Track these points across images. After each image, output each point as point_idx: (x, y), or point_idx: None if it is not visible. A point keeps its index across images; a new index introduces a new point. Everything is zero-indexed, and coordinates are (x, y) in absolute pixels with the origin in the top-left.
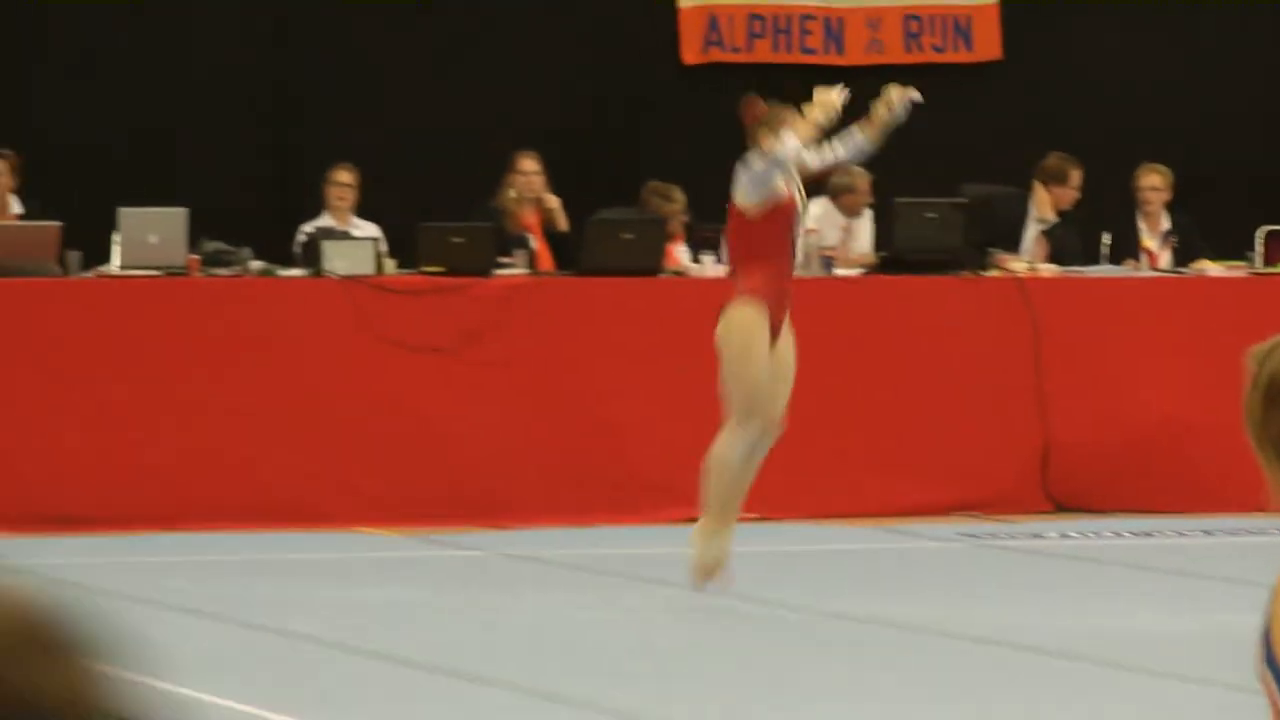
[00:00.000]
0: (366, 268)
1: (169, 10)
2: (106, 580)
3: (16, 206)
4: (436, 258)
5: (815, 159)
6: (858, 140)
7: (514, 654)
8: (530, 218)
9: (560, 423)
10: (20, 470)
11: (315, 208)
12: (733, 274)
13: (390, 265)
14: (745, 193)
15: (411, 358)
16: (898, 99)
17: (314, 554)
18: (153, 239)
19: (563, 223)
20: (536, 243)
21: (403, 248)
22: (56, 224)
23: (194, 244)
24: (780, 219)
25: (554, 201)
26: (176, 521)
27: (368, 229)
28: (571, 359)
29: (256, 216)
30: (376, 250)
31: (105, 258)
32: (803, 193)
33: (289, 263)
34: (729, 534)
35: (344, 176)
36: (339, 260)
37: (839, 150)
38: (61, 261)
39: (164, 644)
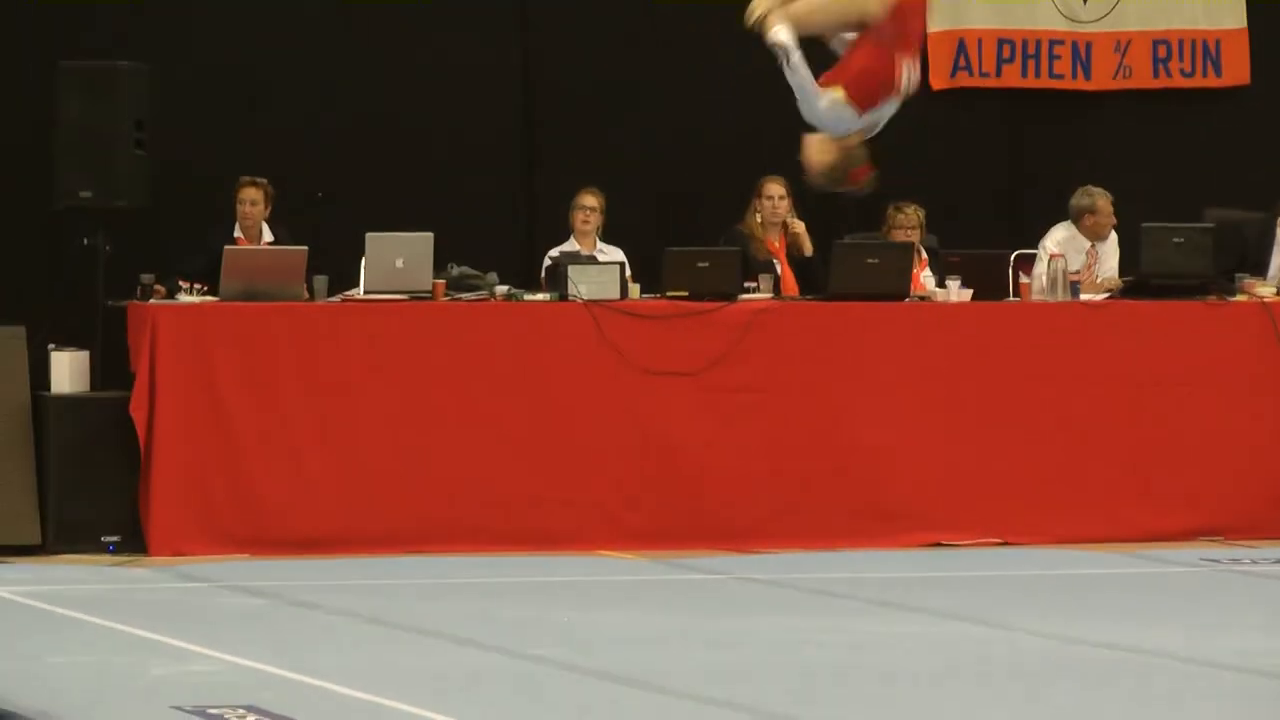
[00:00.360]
0: (612, 292)
1: (414, 39)
2: (349, 603)
3: (267, 234)
4: (682, 282)
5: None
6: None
7: (751, 677)
8: (776, 242)
9: (804, 447)
10: (265, 493)
11: (562, 232)
12: None
13: (635, 290)
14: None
15: (656, 382)
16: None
17: (555, 577)
18: (399, 263)
19: (808, 247)
20: (782, 267)
21: (648, 272)
22: (303, 248)
23: (440, 268)
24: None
25: (799, 226)
26: (420, 544)
27: (613, 254)
28: (816, 384)
29: (502, 241)
30: (622, 275)
31: (352, 282)
32: None
33: (535, 287)
34: None
35: (589, 200)
36: (585, 285)
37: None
38: (309, 286)
39: (404, 666)
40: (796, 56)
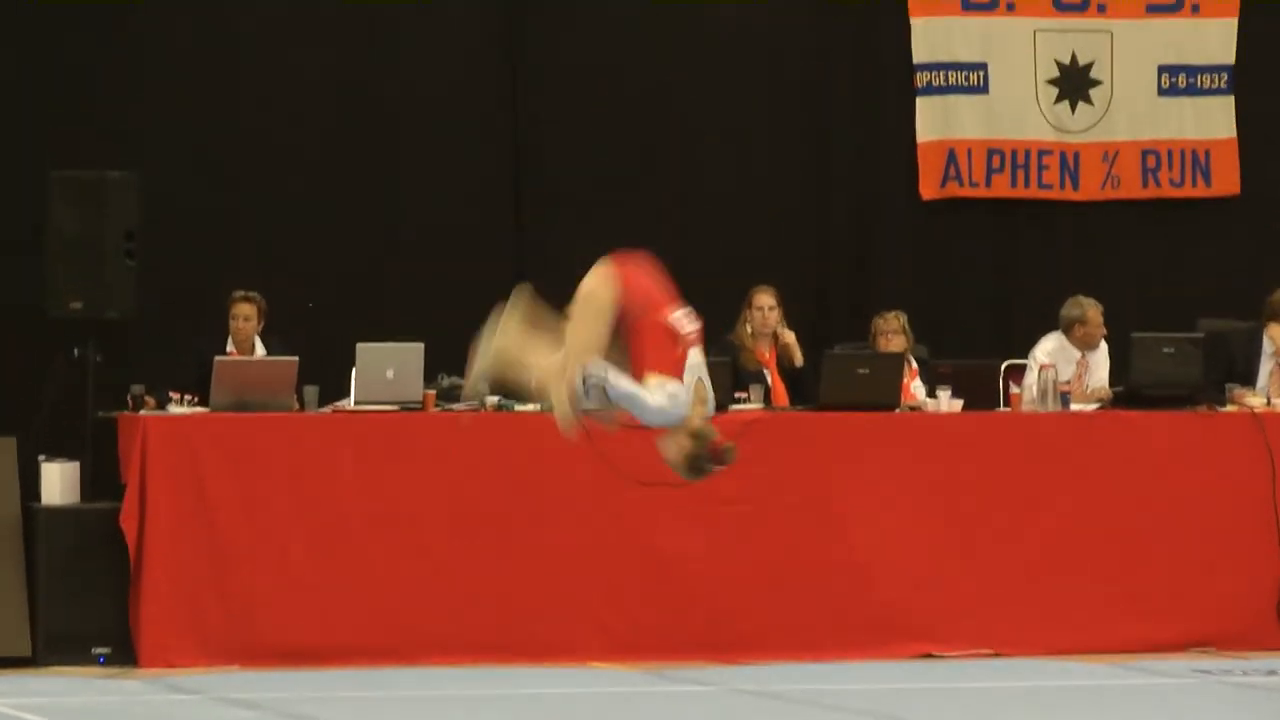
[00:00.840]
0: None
1: (400, 163)
2: (340, 714)
3: (260, 349)
4: None
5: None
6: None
7: None
8: (766, 353)
9: (795, 558)
10: (256, 604)
11: None
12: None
13: None
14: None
15: (647, 493)
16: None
17: (546, 689)
18: (389, 374)
19: (798, 358)
20: (772, 378)
21: None
22: (294, 359)
23: (430, 379)
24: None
25: (790, 336)
26: (410, 655)
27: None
28: (807, 495)
29: None
30: None
31: (342, 393)
32: None
33: (526, 398)
34: None
35: None
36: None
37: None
38: (299, 396)
39: None
40: (612, 375)
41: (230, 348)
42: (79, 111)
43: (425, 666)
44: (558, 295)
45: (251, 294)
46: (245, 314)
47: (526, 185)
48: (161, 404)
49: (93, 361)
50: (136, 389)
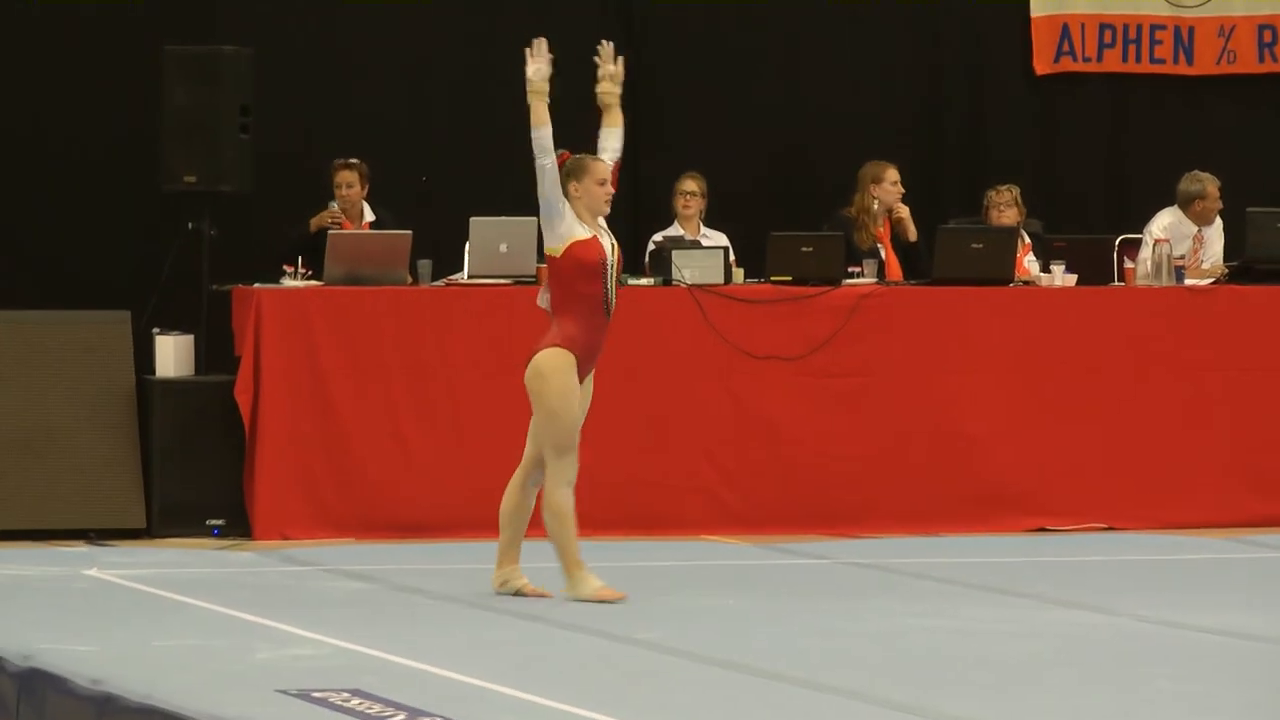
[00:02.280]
0: (716, 277)
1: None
2: (452, 587)
3: (369, 214)
4: (786, 267)
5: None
6: (612, 142)
7: (854, 662)
8: (881, 227)
9: (909, 432)
10: (369, 477)
11: (666, 217)
12: (550, 319)
13: (739, 274)
14: (546, 236)
15: (760, 366)
16: (614, 69)
17: (662, 561)
18: (503, 248)
19: (913, 233)
20: (886, 252)
21: (752, 257)
22: (407, 233)
23: (543, 252)
24: (583, 264)
25: (904, 211)
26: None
27: (717, 238)
28: (921, 369)
29: (608, 224)
30: (726, 259)
31: (456, 267)
32: (615, 242)
33: (639, 272)
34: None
35: (689, 185)
36: (689, 269)
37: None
38: (412, 270)
39: (508, 651)
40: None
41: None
42: None
43: (538, 539)
44: (671, 174)
45: (352, 160)
46: (348, 181)
47: (638, 60)
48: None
49: (207, 235)
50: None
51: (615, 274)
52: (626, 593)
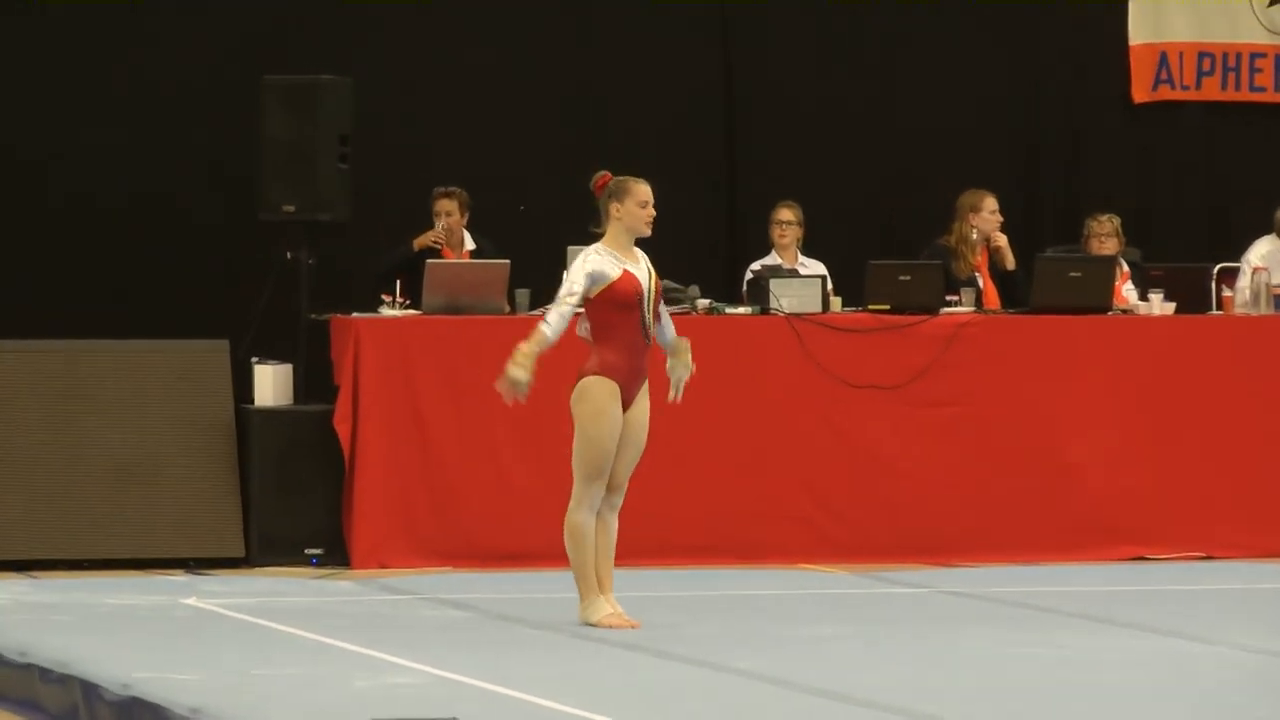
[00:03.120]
0: (814, 305)
1: (618, 49)
2: (550, 616)
3: (469, 243)
4: (884, 295)
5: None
6: (545, 331)
7: (956, 692)
8: (978, 256)
9: (1006, 461)
10: (467, 506)
11: (764, 245)
12: (591, 348)
13: (837, 303)
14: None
15: (858, 395)
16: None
17: (760, 590)
18: None
19: (1011, 261)
20: (984, 281)
21: (850, 286)
22: (505, 262)
23: None
24: (617, 300)
25: (1002, 240)
26: (622, 557)
27: (815, 267)
28: (1019, 397)
29: (705, 254)
30: (824, 288)
31: (554, 296)
32: (651, 268)
33: (737, 301)
34: (607, 591)
35: (785, 215)
36: (786, 298)
37: (550, 314)
38: (511, 299)
39: (606, 680)
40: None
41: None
42: (291, 16)
43: (636, 568)
44: (769, 202)
45: (452, 189)
46: (448, 209)
47: (738, 90)
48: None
49: (306, 265)
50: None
51: (654, 301)
52: (640, 621)
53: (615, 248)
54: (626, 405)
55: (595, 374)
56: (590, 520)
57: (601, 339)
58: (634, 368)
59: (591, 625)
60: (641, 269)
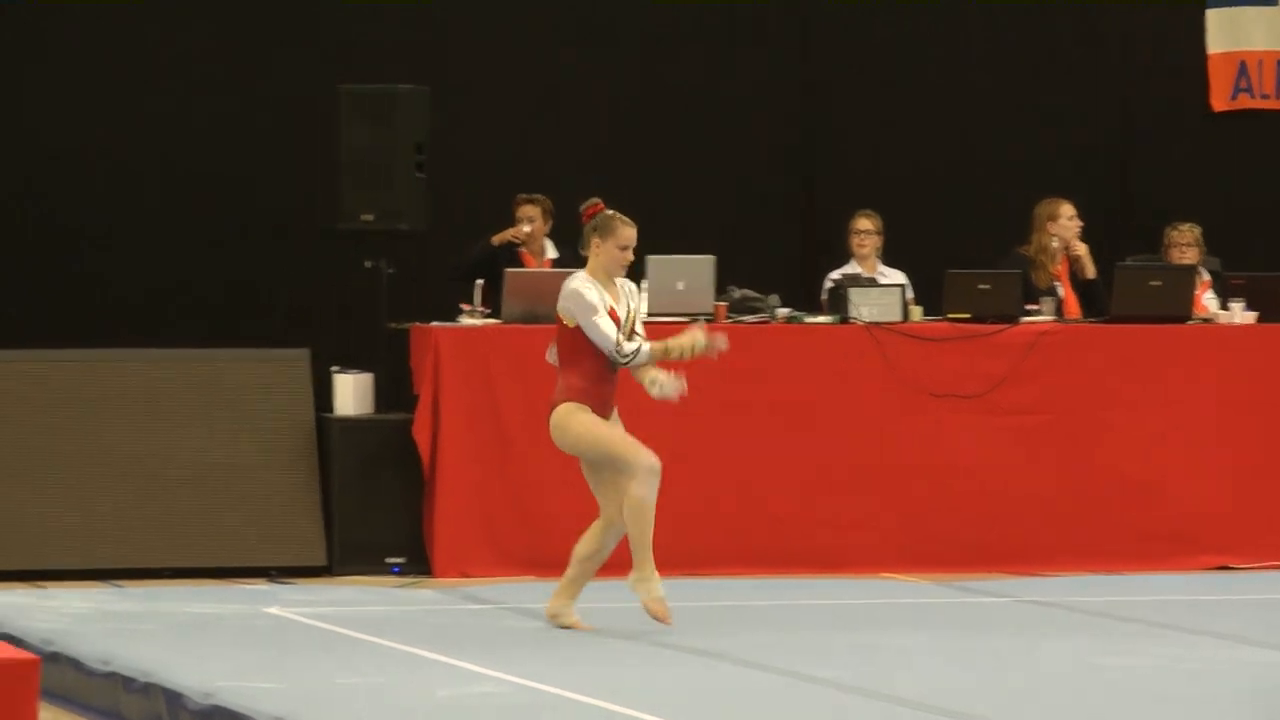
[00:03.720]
0: (893, 314)
1: (695, 57)
2: (633, 625)
3: (551, 251)
4: (963, 304)
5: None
6: (644, 350)
7: (1032, 701)
8: (1058, 265)
9: (1088, 469)
10: (549, 514)
11: (843, 253)
12: (558, 373)
13: (917, 312)
14: (564, 309)
15: (938, 403)
16: (703, 344)
17: (840, 599)
18: (680, 286)
19: (1091, 270)
20: (1064, 290)
21: (930, 295)
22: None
23: (721, 291)
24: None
25: (1082, 249)
26: (703, 567)
27: (894, 276)
28: (1100, 406)
29: (784, 263)
30: (903, 297)
31: None
32: (631, 294)
33: (816, 309)
34: (569, 610)
35: (863, 224)
36: (866, 307)
37: (626, 345)
38: None
39: (690, 688)
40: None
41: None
42: (368, 25)
43: (718, 577)
44: (848, 211)
45: (535, 196)
46: (529, 215)
47: (817, 98)
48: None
49: (384, 274)
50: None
51: (629, 329)
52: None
53: (598, 278)
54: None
55: (565, 399)
56: (652, 494)
57: (568, 365)
58: (601, 395)
59: (637, 600)
60: (621, 303)
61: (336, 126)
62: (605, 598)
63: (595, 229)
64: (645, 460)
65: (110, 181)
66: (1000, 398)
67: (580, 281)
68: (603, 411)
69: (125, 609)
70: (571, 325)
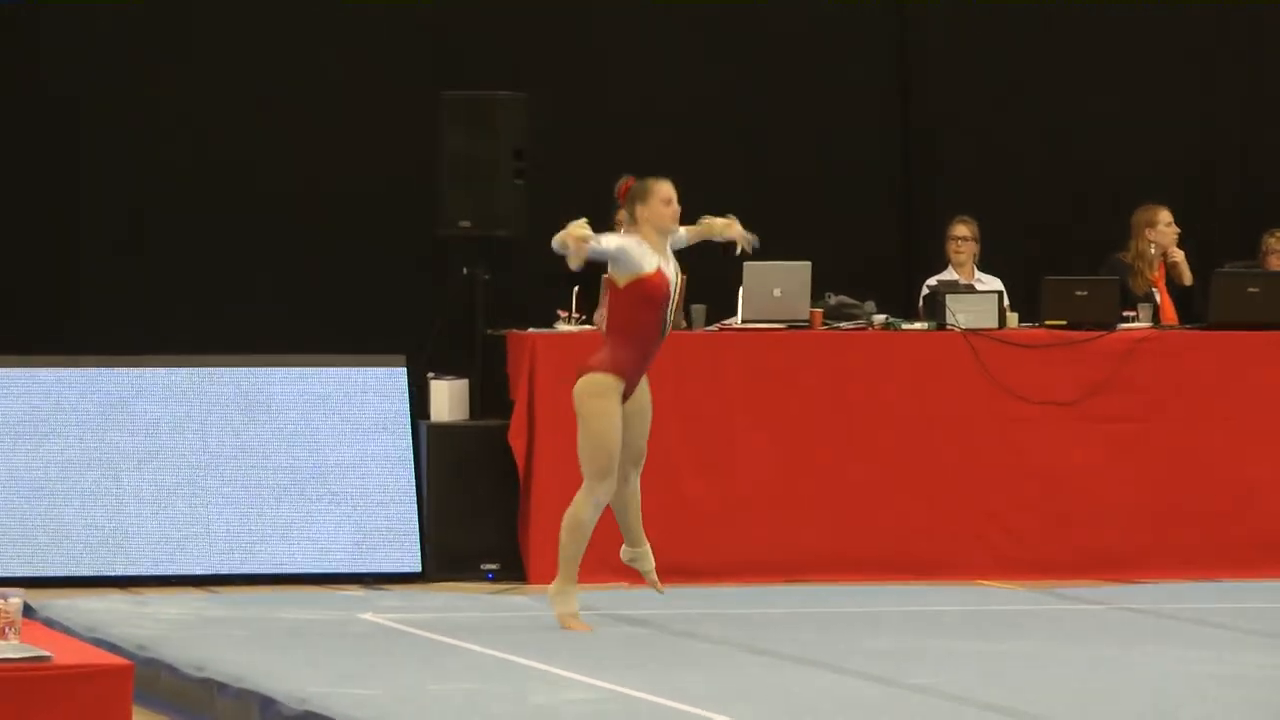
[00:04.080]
0: (990, 321)
1: (790, 63)
2: (727, 631)
3: None
4: (1060, 311)
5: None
6: (679, 235)
7: (1127, 708)
8: (1155, 271)
9: (1184, 477)
10: (645, 521)
11: (940, 260)
12: (604, 339)
13: (1013, 319)
14: (613, 267)
15: (1033, 410)
16: (738, 238)
17: (932, 606)
18: (776, 292)
19: (1188, 276)
20: (1161, 296)
21: (1026, 301)
22: (681, 277)
23: (817, 297)
24: (645, 294)
25: (1179, 255)
26: (797, 573)
27: (991, 283)
28: (1196, 413)
29: (880, 269)
30: (1000, 304)
31: (730, 311)
32: (679, 268)
33: (912, 316)
34: (646, 556)
35: (960, 230)
36: (962, 313)
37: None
38: (687, 315)
39: (783, 694)
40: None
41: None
42: (469, 31)
43: (812, 583)
44: (944, 217)
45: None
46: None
47: (913, 105)
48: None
49: (482, 280)
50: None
51: (676, 302)
52: (592, 626)
53: (650, 240)
54: (625, 398)
55: (603, 370)
56: (593, 518)
57: (618, 333)
58: (641, 366)
59: (553, 614)
60: (670, 268)
61: (437, 132)
62: (701, 604)
63: (635, 199)
64: (604, 490)
65: (211, 186)
66: (1096, 405)
67: (625, 238)
68: (633, 381)
69: (220, 615)
70: (622, 285)
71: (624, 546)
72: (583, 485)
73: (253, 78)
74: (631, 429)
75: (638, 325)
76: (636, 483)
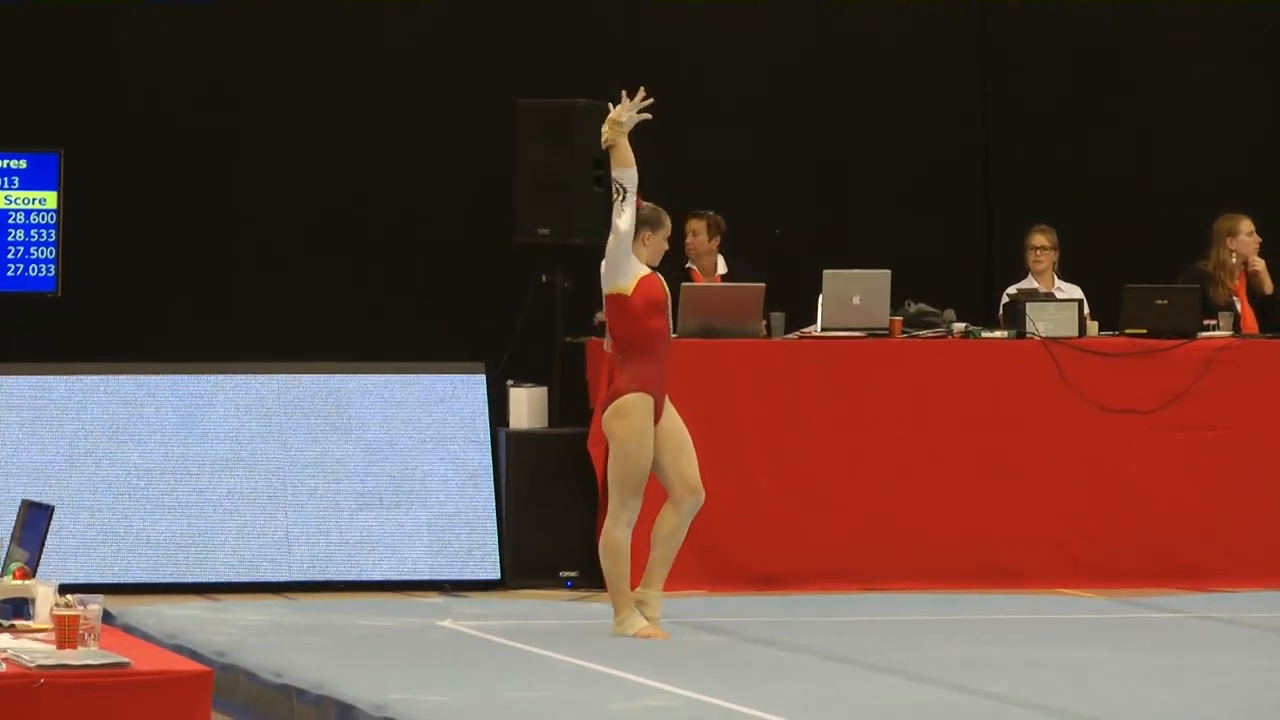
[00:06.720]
0: (1070, 330)
1: (870, 73)
2: (805, 639)
3: (722, 266)
4: (1140, 320)
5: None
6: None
7: (1205, 716)
8: (1236, 280)
9: (1263, 485)
10: (722, 529)
11: (1021, 268)
12: (618, 364)
13: (1094, 327)
14: (613, 275)
15: (1113, 419)
16: (621, 115)
17: (1011, 614)
18: (856, 300)
19: (1268, 286)
20: (1242, 305)
21: (1107, 310)
22: (760, 285)
23: (897, 305)
24: (649, 298)
25: (1260, 264)
26: (876, 581)
27: (1072, 291)
28: (1276, 422)
29: (960, 278)
30: (1080, 312)
31: (809, 319)
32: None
33: (992, 324)
34: (655, 601)
35: (1039, 240)
36: (1043, 322)
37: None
38: (766, 323)
39: (861, 703)
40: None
41: (689, 265)
42: (546, 40)
43: (889, 592)
44: (1026, 225)
45: (703, 211)
46: (694, 229)
47: (994, 113)
48: None
49: (560, 288)
50: (600, 316)
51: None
52: (670, 633)
53: (640, 259)
54: (656, 418)
55: (632, 390)
56: (628, 536)
57: (631, 350)
58: (661, 379)
59: (628, 637)
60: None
61: (515, 141)
62: (780, 612)
63: (644, 221)
64: (633, 510)
65: (289, 194)
66: (1177, 413)
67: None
68: (661, 394)
69: (299, 621)
70: (629, 292)
71: (617, 619)
72: (609, 510)
73: (331, 88)
74: (674, 457)
75: (648, 335)
76: (688, 523)
